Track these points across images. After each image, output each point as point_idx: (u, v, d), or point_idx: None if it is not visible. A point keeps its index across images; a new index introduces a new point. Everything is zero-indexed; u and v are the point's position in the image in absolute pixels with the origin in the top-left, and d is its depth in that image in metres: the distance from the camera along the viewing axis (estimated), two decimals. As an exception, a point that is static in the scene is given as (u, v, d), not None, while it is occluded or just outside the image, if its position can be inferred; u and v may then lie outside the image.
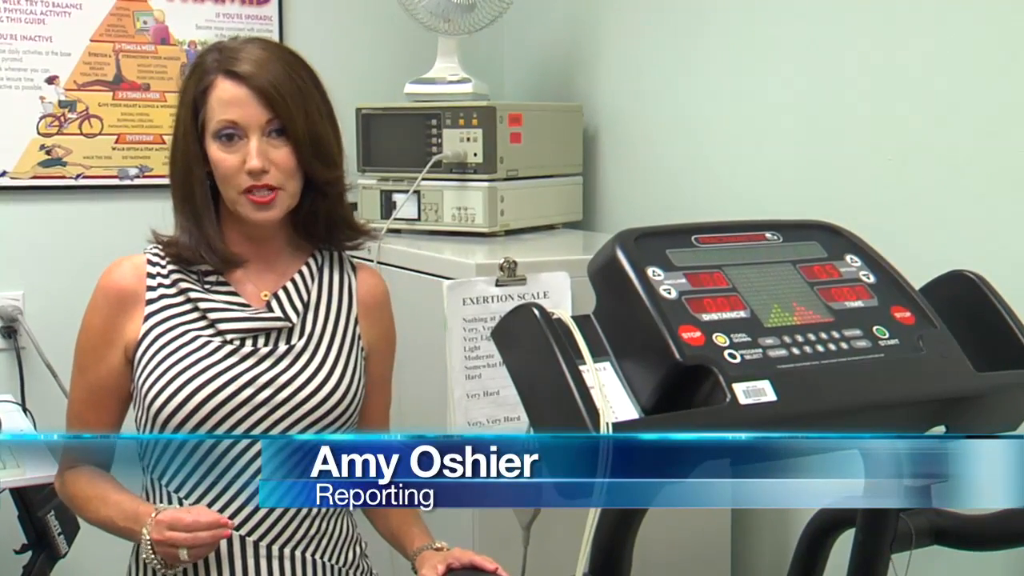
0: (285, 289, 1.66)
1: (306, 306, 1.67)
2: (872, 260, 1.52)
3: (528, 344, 1.33)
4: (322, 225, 1.68)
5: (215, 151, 1.58)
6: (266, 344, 1.62)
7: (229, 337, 1.61)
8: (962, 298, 1.53)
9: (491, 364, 2.07)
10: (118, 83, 2.87)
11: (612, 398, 1.30)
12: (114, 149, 2.88)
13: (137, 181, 2.89)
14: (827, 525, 1.83)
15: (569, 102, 2.92)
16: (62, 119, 2.82)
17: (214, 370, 1.58)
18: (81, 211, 2.86)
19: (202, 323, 1.61)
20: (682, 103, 2.61)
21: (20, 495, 2.35)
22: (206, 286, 1.63)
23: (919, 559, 1.75)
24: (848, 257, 1.51)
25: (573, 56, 2.99)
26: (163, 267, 1.63)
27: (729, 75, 2.47)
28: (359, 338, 1.71)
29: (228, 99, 1.57)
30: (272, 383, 1.60)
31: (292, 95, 1.58)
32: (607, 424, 1.22)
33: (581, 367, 1.28)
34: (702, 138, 2.55)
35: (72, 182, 2.84)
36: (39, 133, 2.80)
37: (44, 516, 2.35)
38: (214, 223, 1.62)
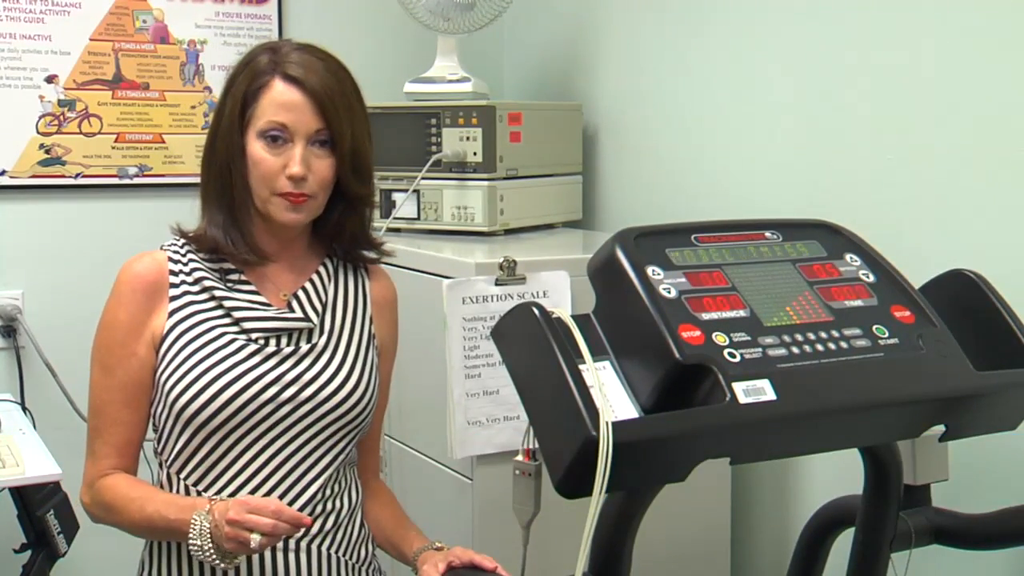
0: (304, 289, 1.68)
1: (324, 306, 1.68)
2: (872, 259, 1.51)
3: (528, 343, 1.33)
4: (347, 239, 1.70)
5: (257, 149, 1.59)
6: (288, 344, 1.63)
7: (254, 336, 1.61)
8: (962, 297, 1.53)
9: (491, 363, 2.07)
10: (117, 82, 2.87)
11: (612, 397, 1.30)
12: (113, 148, 2.88)
13: (136, 180, 2.89)
14: (827, 524, 1.83)
15: (569, 101, 2.92)
16: (61, 118, 2.82)
17: (240, 368, 1.59)
18: (80, 210, 2.86)
19: (227, 320, 1.62)
20: (682, 103, 2.61)
21: (20, 494, 2.35)
22: (228, 284, 1.64)
23: (919, 558, 1.75)
24: (848, 256, 1.51)
25: (573, 55, 2.99)
26: (184, 264, 1.64)
27: (729, 75, 2.47)
28: (374, 337, 1.72)
29: (283, 102, 1.58)
30: (296, 382, 1.61)
31: (344, 109, 1.60)
32: (607, 423, 1.21)
33: (581, 366, 1.28)
34: (702, 138, 2.55)
35: (71, 181, 2.84)
36: (38, 132, 2.80)
37: (43, 515, 2.34)
38: (252, 215, 1.63)
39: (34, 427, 2.50)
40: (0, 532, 2.49)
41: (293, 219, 1.61)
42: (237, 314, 1.62)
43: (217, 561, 1.48)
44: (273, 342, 1.62)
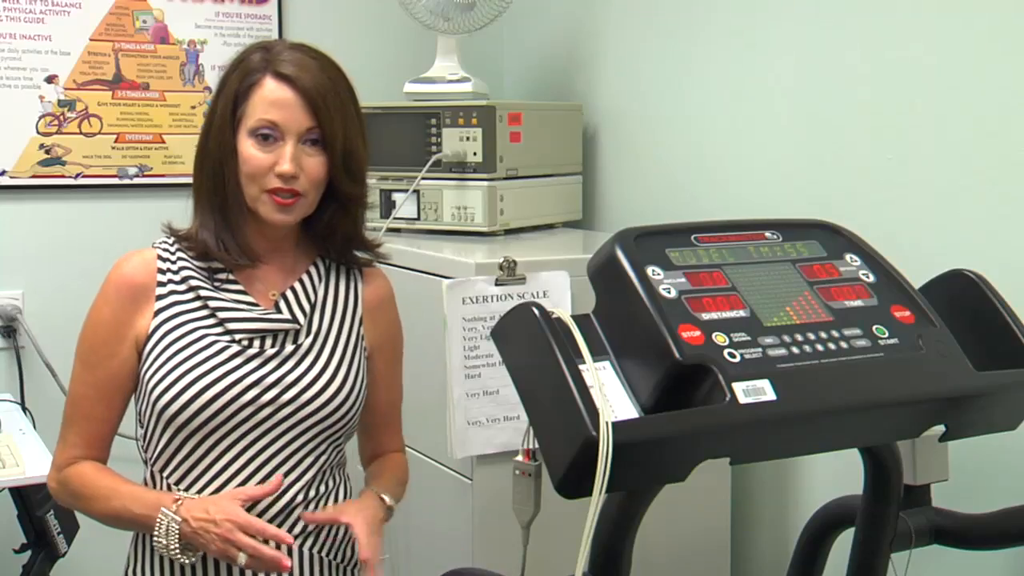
0: (293, 289, 1.67)
1: (313, 306, 1.68)
2: (872, 259, 1.52)
3: (528, 343, 1.33)
4: (340, 240, 1.69)
5: (247, 147, 1.59)
6: (273, 346, 1.63)
7: (238, 337, 1.61)
8: (962, 297, 1.53)
9: (491, 363, 2.07)
10: (117, 82, 2.87)
11: (612, 397, 1.30)
12: (113, 148, 2.88)
13: (136, 180, 2.89)
14: (827, 524, 1.83)
15: (569, 101, 2.92)
16: (61, 118, 2.82)
17: (221, 370, 1.59)
18: (80, 210, 2.86)
19: (211, 321, 1.61)
20: (682, 102, 2.61)
21: (20, 494, 2.35)
22: (216, 284, 1.64)
23: (919, 558, 1.75)
24: (848, 256, 1.51)
25: (573, 55, 2.99)
26: (173, 263, 1.64)
27: (729, 74, 2.47)
28: (362, 339, 1.71)
29: (274, 100, 1.58)
30: (277, 384, 1.61)
31: (336, 108, 1.59)
32: (607, 423, 1.21)
33: (581, 366, 1.28)
34: (702, 137, 2.55)
35: (71, 181, 2.84)
36: (38, 132, 2.80)
37: (43, 515, 2.35)
38: (245, 214, 1.62)
39: (34, 427, 2.51)
40: (0, 532, 2.50)
41: (282, 220, 1.60)
42: (222, 314, 1.61)
43: (180, 557, 1.54)
44: (257, 343, 1.62)
